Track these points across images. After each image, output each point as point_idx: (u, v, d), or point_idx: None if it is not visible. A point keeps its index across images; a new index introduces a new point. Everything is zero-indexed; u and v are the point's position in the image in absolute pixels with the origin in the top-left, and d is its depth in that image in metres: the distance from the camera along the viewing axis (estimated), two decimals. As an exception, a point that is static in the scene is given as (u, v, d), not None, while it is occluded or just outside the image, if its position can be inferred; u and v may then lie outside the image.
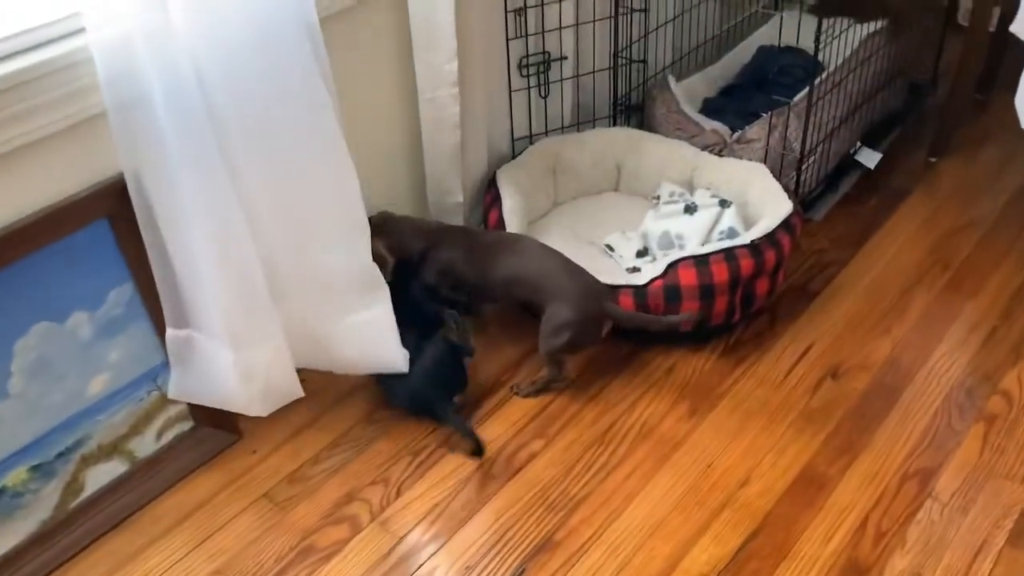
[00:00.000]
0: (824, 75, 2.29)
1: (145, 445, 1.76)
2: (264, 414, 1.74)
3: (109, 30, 1.35)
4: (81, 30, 1.42)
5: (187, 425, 1.81)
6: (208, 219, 1.52)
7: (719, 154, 2.31)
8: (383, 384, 1.87)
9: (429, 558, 1.61)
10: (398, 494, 1.73)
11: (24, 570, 1.60)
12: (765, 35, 2.72)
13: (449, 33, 1.91)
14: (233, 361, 1.62)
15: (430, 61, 1.97)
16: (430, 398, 1.82)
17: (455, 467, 1.78)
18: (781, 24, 2.63)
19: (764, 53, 2.70)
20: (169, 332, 1.67)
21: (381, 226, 1.94)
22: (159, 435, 1.77)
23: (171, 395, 1.73)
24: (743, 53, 2.71)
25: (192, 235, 1.52)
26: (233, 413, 1.78)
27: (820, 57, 2.33)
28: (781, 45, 2.67)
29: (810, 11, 2.63)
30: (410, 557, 1.62)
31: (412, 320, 1.85)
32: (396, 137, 2.10)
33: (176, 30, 1.38)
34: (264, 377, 1.69)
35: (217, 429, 1.82)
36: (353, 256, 1.71)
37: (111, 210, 1.58)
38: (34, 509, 1.62)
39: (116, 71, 1.38)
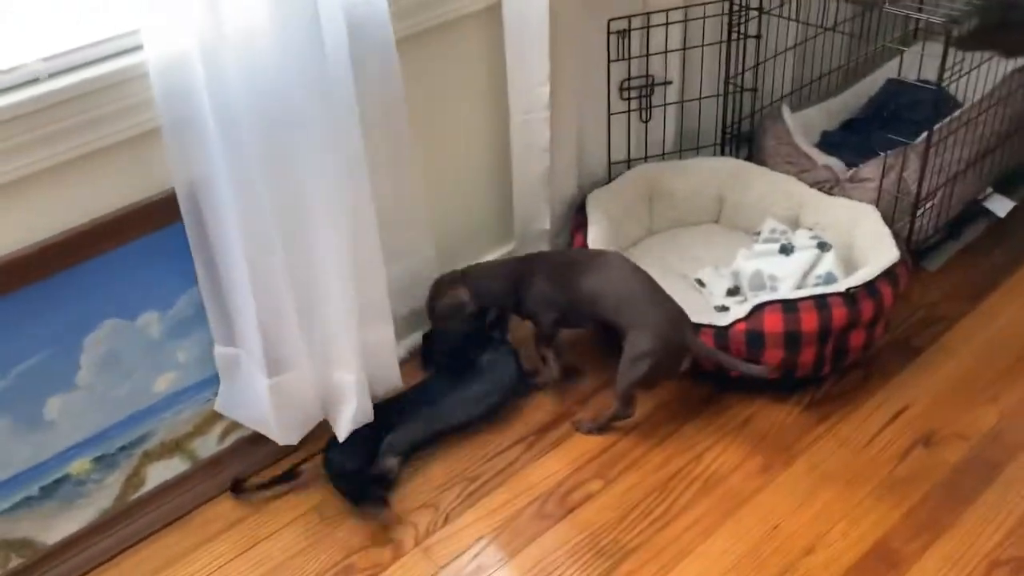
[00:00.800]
0: (955, 113, 2.13)
1: (207, 446, 1.79)
2: (294, 442, 1.76)
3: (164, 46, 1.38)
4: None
5: (250, 430, 1.83)
6: (247, 240, 1.54)
7: (829, 192, 2.17)
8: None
9: (466, 592, 1.58)
10: (446, 521, 1.70)
11: (82, 556, 1.66)
12: (896, 67, 2.55)
13: (543, 56, 1.87)
14: (268, 386, 1.63)
15: (522, 83, 1.93)
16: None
17: (508, 499, 1.73)
18: (922, 55, 2.45)
19: (893, 87, 2.53)
20: (217, 349, 1.70)
21: (464, 274, 1.90)
22: (222, 437, 1.80)
23: (217, 409, 1.76)
24: (870, 85, 2.55)
25: (235, 254, 1.53)
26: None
27: (955, 93, 2.17)
28: (917, 79, 2.49)
29: (955, 44, 2.44)
30: (447, 589, 1.59)
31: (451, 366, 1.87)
32: (484, 160, 2.07)
33: (231, 51, 1.39)
34: (295, 403, 1.69)
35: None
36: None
37: (187, 213, 1.61)
38: (95, 498, 1.67)
39: (170, 88, 1.40)
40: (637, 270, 1.85)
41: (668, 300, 1.81)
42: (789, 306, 1.81)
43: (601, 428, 1.84)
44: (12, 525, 1.59)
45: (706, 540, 1.63)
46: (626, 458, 1.79)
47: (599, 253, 1.93)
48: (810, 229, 2.10)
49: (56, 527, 1.64)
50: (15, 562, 1.61)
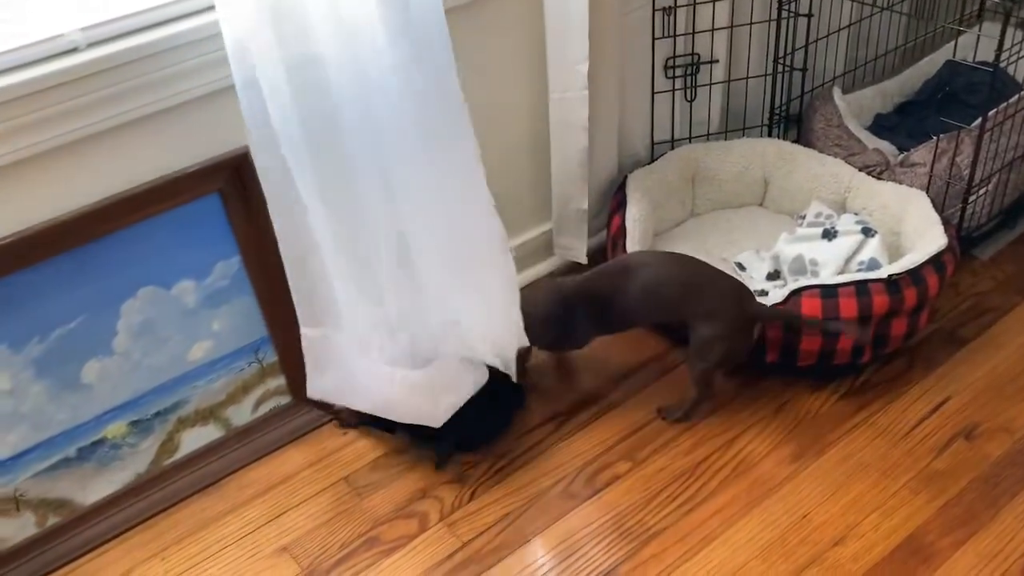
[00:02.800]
0: (1013, 98, 2.05)
1: (241, 414, 1.81)
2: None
3: (238, 7, 1.37)
4: (210, 7, 1.47)
5: (284, 400, 1.85)
6: (324, 207, 1.52)
7: (879, 176, 2.11)
8: None
9: (488, 569, 1.57)
10: (472, 497, 1.70)
11: (117, 518, 1.70)
12: (958, 48, 2.47)
13: (582, 34, 1.84)
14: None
15: (561, 61, 1.90)
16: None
17: (534, 478, 1.72)
18: (979, 35, 2.36)
19: (952, 69, 2.44)
20: (304, 331, 1.69)
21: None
22: (256, 406, 1.83)
23: (309, 395, 1.77)
24: (927, 67, 2.47)
25: (316, 223, 1.52)
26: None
27: (1014, 75, 2.09)
28: (974, 60, 2.41)
29: (1014, 25, 2.35)
30: (469, 564, 1.58)
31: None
32: (522, 138, 2.04)
33: (306, 12, 1.37)
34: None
35: (314, 407, 1.86)
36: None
37: (223, 185, 1.63)
38: (130, 462, 1.71)
39: (242, 48, 1.39)
40: (677, 258, 1.81)
41: (722, 276, 1.77)
42: (828, 291, 1.76)
43: (687, 414, 1.80)
44: (51, 485, 1.63)
45: (733, 527, 1.61)
46: (655, 441, 1.78)
47: (638, 256, 1.85)
48: (856, 214, 2.05)
49: (93, 488, 1.68)
50: (52, 520, 1.65)
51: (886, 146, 2.20)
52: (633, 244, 1.97)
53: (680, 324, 1.78)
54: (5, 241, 1.45)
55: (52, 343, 1.55)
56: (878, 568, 1.52)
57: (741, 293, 1.74)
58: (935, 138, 2.04)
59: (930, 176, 2.04)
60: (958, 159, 2.02)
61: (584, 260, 2.11)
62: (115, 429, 1.67)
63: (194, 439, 1.77)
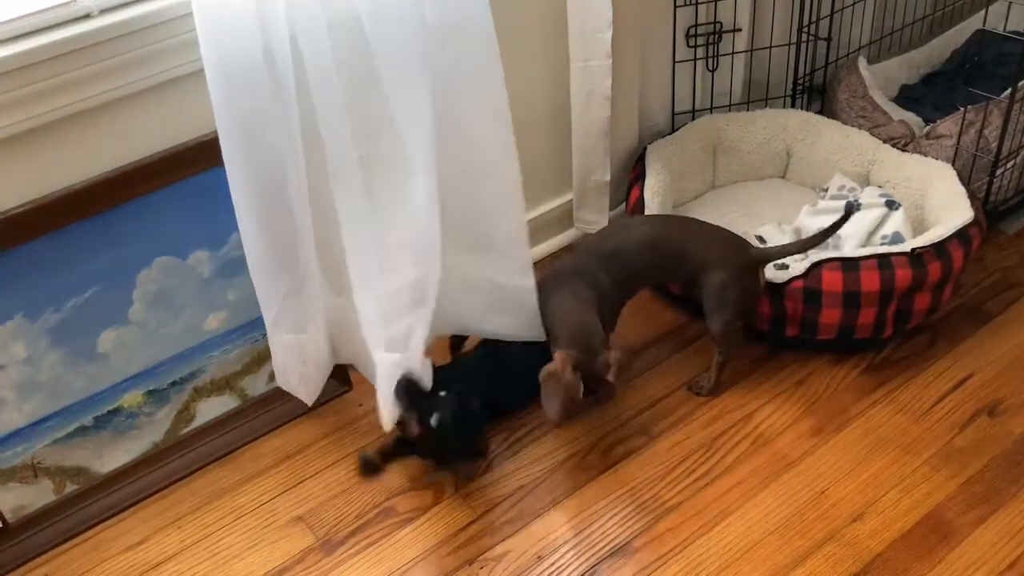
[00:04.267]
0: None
1: (257, 385, 1.81)
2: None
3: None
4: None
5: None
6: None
7: (904, 149, 2.08)
8: None
9: (502, 541, 1.57)
10: (487, 468, 1.69)
11: (132, 487, 1.70)
12: (988, 17, 2.41)
13: (606, 1, 1.81)
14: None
15: (583, 28, 1.87)
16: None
17: (550, 450, 1.72)
18: (1011, 3, 2.30)
19: (982, 38, 2.39)
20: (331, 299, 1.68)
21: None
22: (272, 377, 1.82)
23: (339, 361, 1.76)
24: (955, 37, 2.42)
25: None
26: (346, 365, 1.81)
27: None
28: (1005, 30, 2.35)
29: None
30: (484, 536, 1.58)
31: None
32: (542, 106, 2.02)
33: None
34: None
35: (330, 379, 1.85)
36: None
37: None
38: (147, 431, 1.71)
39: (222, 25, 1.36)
40: (670, 217, 1.83)
41: (718, 228, 1.77)
42: (850, 265, 1.74)
43: (716, 383, 1.78)
44: (68, 453, 1.64)
45: (750, 501, 1.60)
46: (672, 415, 1.76)
47: (623, 222, 1.90)
48: (880, 187, 2.02)
49: (109, 457, 1.69)
50: (70, 488, 1.66)
51: (912, 118, 2.16)
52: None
53: (686, 284, 1.77)
54: (20, 209, 1.45)
55: (68, 312, 1.55)
56: (897, 544, 1.50)
57: (739, 240, 1.76)
58: (962, 109, 2.00)
59: (956, 148, 2.00)
60: (986, 131, 1.98)
61: (603, 233, 2.09)
62: (131, 398, 1.67)
63: (210, 409, 1.77)
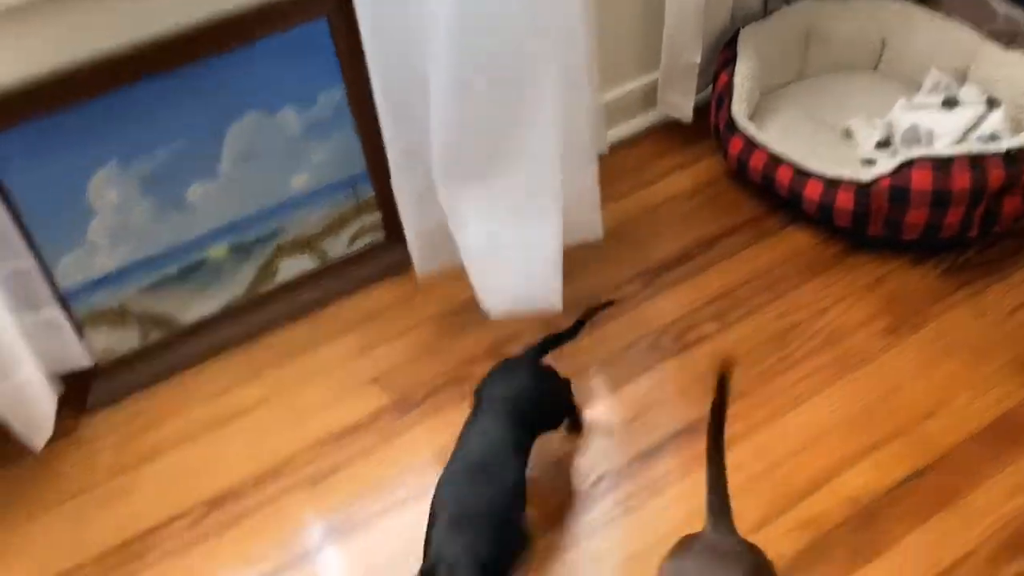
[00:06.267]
0: None
1: (337, 247, 1.83)
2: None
3: None
4: None
5: (380, 236, 1.86)
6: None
7: (1007, 46, 1.99)
8: None
9: (572, 413, 1.61)
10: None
11: (214, 338, 1.76)
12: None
13: None
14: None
15: None
16: None
17: (621, 331, 1.73)
18: None
19: (1101, -68, 2.25)
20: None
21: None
22: (352, 240, 1.84)
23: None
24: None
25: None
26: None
27: None
28: None
29: None
30: (554, 408, 1.61)
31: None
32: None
33: None
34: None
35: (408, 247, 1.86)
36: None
37: (331, 10, 1.59)
38: (229, 285, 1.75)
39: None
40: None
41: None
42: (941, 163, 1.69)
43: None
44: (153, 301, 1.69)
45: (817, 394, 1.61)
46: (746, 304, 1.76)
47: None
48: (980, 84, 1.94)
49: (192, 308, 1.73)
50: (154, 335, 1.72)
51: (1020, 14, 2.05)
52: (739, 103, 1.91)
53: None
54: (115, 55, 1.45)
55: (159, 162, 1.57)
56: (968, 443, 1.51)
57: None
58: (1077, 7, 1.90)
59: (1066, 48, 1.92)
60: (1099, 32, 1.89)
61: (689, 118, 2.05)
62: (216, 251, 1.71)
63: (292, 267, 1.80)
